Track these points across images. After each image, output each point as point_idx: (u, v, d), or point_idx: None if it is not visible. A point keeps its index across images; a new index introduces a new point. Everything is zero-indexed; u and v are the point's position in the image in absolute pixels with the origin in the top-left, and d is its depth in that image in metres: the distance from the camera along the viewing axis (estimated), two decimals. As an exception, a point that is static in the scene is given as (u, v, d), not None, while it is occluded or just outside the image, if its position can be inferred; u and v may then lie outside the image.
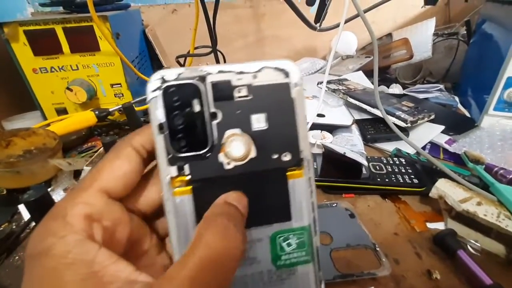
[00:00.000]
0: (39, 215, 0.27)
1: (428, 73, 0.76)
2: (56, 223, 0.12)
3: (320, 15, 0.47)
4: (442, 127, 0.48)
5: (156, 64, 0.74)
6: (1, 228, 0.35)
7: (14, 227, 0.36)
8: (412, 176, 0.38)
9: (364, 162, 0.37)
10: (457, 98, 0.60)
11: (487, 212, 0.29)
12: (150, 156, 0.14)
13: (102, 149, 0.47)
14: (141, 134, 0.14)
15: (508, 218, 0.28)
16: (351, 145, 0.44)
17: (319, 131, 0.48)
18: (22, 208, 0.37)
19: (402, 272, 0.28)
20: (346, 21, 0.56)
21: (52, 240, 0.11)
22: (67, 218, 0.12)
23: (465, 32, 0.68)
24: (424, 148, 0.46)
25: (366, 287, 0.27)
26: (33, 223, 0.35)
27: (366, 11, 0.62)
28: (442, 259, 0.29)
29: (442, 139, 0.47)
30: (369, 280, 0.27)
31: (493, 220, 0.28)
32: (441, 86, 0.63)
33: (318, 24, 0.48)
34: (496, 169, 0.39)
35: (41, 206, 0.26)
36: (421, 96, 0.61)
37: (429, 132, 0.48)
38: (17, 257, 0.32)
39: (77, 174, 0.43)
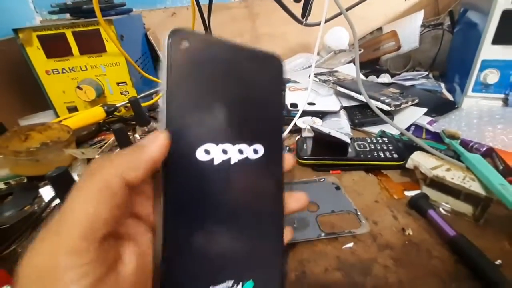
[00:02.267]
0: (60, 188, 0.31)
1: (417, 63, 0.80)
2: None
3: (305, 10, 0.51)
4: (425, 110, 0.52)
5: (157, 64, 0.78)
6: (25, 209, 0.40)
7: (36, 208, 0.40)
8: (393, 152, 0.42)
9: (347, 140, 0.41)
10: (442, 85, 0.64)
11: (454, 176, 0.32)
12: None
13: (111, 140, 0.52)
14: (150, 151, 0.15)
15: (473, 180, 0.32)
16: (338, 128, 0.48)
17: (310, 117, 0.51)
18: (42, 191, 0.41)
19: (380, 231, 0.32)
20: (330, 18, 0.60)
21: None
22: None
23: (450, 22, 0.71)
24: (408, 129, 0.50)
25: (346, 243, 0.31)
26: (53, 204, 0.39)
27: (353, 6, 0.66)
28: (416, 219, 0.33)
29: (424, 121, 0.50)
30: (350, 237, 0.31)
31: (458, 182, 0.32)
32: (427, 73, 0.66)
33: (304, 19, 0.51)
34: (471, 144, 0.42)
35: (62, 181, 0.30)
36: (408, 83, 0.64)
37: (412, 115, 0.51)
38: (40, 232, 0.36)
39: (89, 162, 0.47)
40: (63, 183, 0.31)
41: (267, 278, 0.18)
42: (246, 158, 0.17)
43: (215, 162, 0.16)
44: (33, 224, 0.37)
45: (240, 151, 0.17)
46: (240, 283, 0.17)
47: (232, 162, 0.17)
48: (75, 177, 0.42)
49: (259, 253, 0.18)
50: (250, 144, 0.17)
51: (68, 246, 0.13)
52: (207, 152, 0.16)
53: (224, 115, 0.16)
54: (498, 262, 0.27)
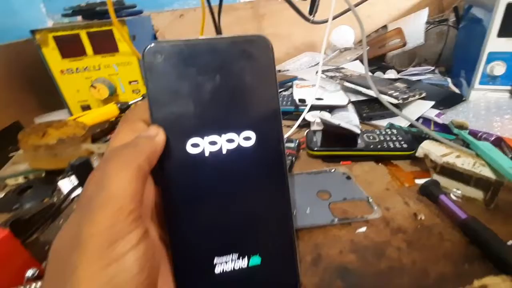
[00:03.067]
0: (81, 176, 0.32)
1: (423, 59, 0.80)
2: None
3: (312, 7, 0.52)
4: (432, 103, 0.52)
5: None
6: (44, 201, 0.41)
7: (55, 200, 0.41)
8: (403, 142, 0.42)
9: (357, 130, 0.42)
10: (449, 79, 0.64)
11: (464, 162, 0.33)
12: None
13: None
14: (134, 114, 0.17)
15: (483, 165, 0.32)
16: (347, 121, 0.48)
17: (318, 111, 0.52)
18: (60, 184, 0.43)
19: (392, 216, 0.33)
20: (337, 16, 0.61)
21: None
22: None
23: (455, 18, 0.72)
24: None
25: (359, 227, 0.31)
26: (72, 195, 0.41)
27: (360, 3, 0.67)
28: (427, 205, 0.34)
29: (432, 114, 0.51)
30: (363, 223, 0.32)
31: (469, 168, 0.32)
32: (433, 68, 0.67)
33: (311, 16, 0.53)
34: (480, 133, 0.43)
35: (84, 169, 0.32)
36: (415, 78, 0.65)
37: (420, 108, 0.52)
38: (61, 221, 0.37)
39: (104, 157, 0.49)
40: (85, 172, 0.32)
41: (276, 254, 0.19)
42: (239, 146, 0.18)
43: (206, 154, 0.17)
44: (53, 214, 0.38)
45: (230, 140, 0.18)
46: (246, 257, 0.18)
47: (224, 151, 0.18)
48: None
49: (265, 230, 0.19)
50: (238, 132, 0.18)
51: (118, 207, 0.13)
52: (195, 145, 0.17)
53: (203, 109, 0.17)
54: (510, 242, 0.28)
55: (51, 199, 0.42)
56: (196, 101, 0.17)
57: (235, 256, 0.18)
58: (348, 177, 0.39)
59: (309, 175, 0.40)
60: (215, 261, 0.18)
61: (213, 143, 0.17)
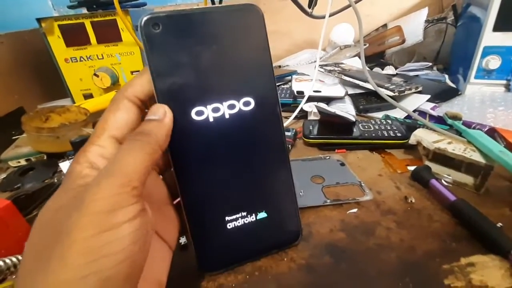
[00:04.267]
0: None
1: (421, 57, 0.81)
2: (79, 155, 0.17)
3: (311, 1, 0.53)
4: (428, 96, 0.53)
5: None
6: (46, 181, 0.42)
7: (56, 181, 0.42)
8: (397, 132, 0.43)
9: (352, 119, 0.43)
10: (446, 76, 0.65)
11: (455, 148, 0.34)
12: (143, 103, 0.18)
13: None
14: (133, 86, 0.18)
15: (473, 151, 0.33)
16: (344, 112, 0.49)
17: (316, 102, 0.53)
18: (62, 166, 0.44)
19: (383, 199, 0.33)
20: (337, 12, 0.62)
21: (74, 164, 0.17)
22: (86, 153, 0.16)
23: (453, 16, 0.73)
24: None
25: (351, 208, 0.32)
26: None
27: (358, 0, 0.68)
28: (418, 190, 0.34)
29: (427, 107, 0.52)
30: (354, 204, 0.33)
31: (460, 153, 0.33)
32: (431, 64, 0.68)
33: (311, 9, 0.54)
34: (473, 125, 0.44)
35: (85, 147, 0.33)
36: (412, 73, 0.66)
37: (415, 101, 0.53)
38: (61, 200, 0.38)
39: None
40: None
41: (280, 209, 0.21)
42: (240, 111, 0.19)
43: (210, 119, 0.19)
44: (52, 193, 0.39)
45: (231, 106, 0.19)
46: (253, 214, 0.20)
47: (227, 116, 0.19)
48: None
49: (269, 189, 0.21)
50: (238, 99, 0.19)
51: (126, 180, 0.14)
52: (199, 113, 0.18)
53: (204, 79, 0.18)
54: (499, 224, 0.28)
55: (52, 180, 0.43)
56: (196, 71, 0.18)
57: (244, 213, 0.20)
58: (342, 164, 0.40)
59: (303, 161, 0.41)
60: (226, 219, 0.20)
61: (216, 109, 0.19)
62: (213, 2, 0.70)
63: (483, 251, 0.27)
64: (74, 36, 0.58)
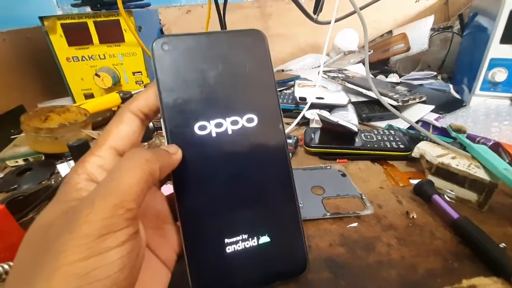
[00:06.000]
0: (79, 158, 0.32)
1: (426, 65, 0.80)
2: (78, 165, 0.17)
3: (317, 7, 0.53)
4: (432, 107, 0.52)
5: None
6: (43, 183, 0.42)
7: (52, 182, 0.42)
8: (400, 143, 0.42)
9: (355, 129, 0.42)
10: (450, 86, 0.64)
11: (459, 163, 0.33)
12: (146, 117, 0.18)
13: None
14: (138, 100, 0.18)
15: (478, 167, 0.32)
16: (346, 120, 0.49)
17: (318, 110, 0.53)
18: (59, 168, 0.43)
19: (384, 213, 0.33)
20: (342, 18, 0.61)
21: (72, 175, 0.16)
22: (85, 163, 0.16)
23: (459, 25, 0.72)
24: (415, 125, 0.50)
25: (351, 222, 0.31)
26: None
27: (365, 6, 0.68)
28: (420, 205, 0.34)
29: (431, 117, 0.51)
30: (354, 218, 0.32)
31: (464, 169, 0.32)
32: (435, 74, 0.67)
33: (316, 15, 0.53)
34: (478, 138, 0.43)
35: (82, 150, 0.32)
36: (416, 83, 0.65)
37: (419, 111, 0.52)
38: (57, 203, 0.38)
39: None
40: (82, 154, 0.32)
41: (284, 235, 0.20)
42: (243, 127, 0.19)
43: (213, 134, 0.19)
44: (49, 196, 0.39)
45: (234, 122, 0.19)
46: (255, 237, 0.19)
47: (230, 132, 0.19)
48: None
49: (272, 211, 0.20)
50: (241, 115, 0.19)
51: (120, 198, 0.14)
52: (202, 128, 0.19)
53: (208, 96, 0.19)
54: (502, 245, 0.28)
55: (49, 181, 0.42)
56: (201, 87, 0.19)
57: (245, 236, 0.19)
58: (343, 174, 0.39)
59: (304, 170, 0.41)
60: (226, 241, 0.19)
61: (218, 125, 0.19)
62: (216, 3, 0.70)
63: (485, 272, 0.26)
64: (77, 36, 0.57)
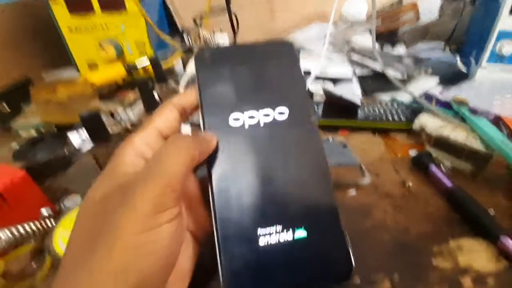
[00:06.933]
0: (90, 128, 0.34)
1: (435, 36, 0.78)
2: (125, 143, 0.18)
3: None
4: (437, 79, 0.52)
5: (173, 29, 0.79)
6: (56, 152, 0.43)
7: (66, 152, 0.44)
8: (401, 116, 0.43)
9: (358, 102, 0.42)
10: (458, 58, 0.63)
11: (458, 135, 0.34)
12: (185, 111, 0.21)
13: (131, 97, 0.55)
14: (179, 96, 0.21)
15: (475, 139, 0.33)
16: (350, 93, 0.49)
17: (322, 82, 0.53)
18: (71, 137, 0.45)
19: (381, 182, 0.34)
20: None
21: (120, 150, 0.18)
22: (133, 140, 0.18)
23: (472, -6, 0.69)
24: (418, 98, 0.50)
25: (349, 191, 0.33)
26: (84, 149, 0.43)
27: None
28: (417, 175, 0.35)
29: (436, 91, 0.51)
30: (353, 186, 0.34)
31: (461, 140, 0.33)
32: (442, 46, 0.66)
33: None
34: (479, 111, 0.43)
35: (93, 122, 0.33)
36: (423, 55, 0.64)
37: (424, 84, 0.52)
38: (71, 171, 0.40)
39: (112, 115, 0.50)
40: (94, 124, 0.34)
41: (322, 230, 0.18)
42: (274, 120, 0.20)
43: (246, 126, 0.20)
44: (64, 164, 0.41)
45: (266, 115, 0.20)
46: (290, 229, 0.18)
47: (262, 124, 0.20)
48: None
49: (308, 204, 0.19)
50: (273, 108, 0.21)
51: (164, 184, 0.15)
52: (236, 119, 0.20)
53: (242, 93, 0.21)
54: (491, 211, 0.29)
55: (62, 151, 0.44)
56: (236, 85, 0.21)
57: (279, 228, 0.18)
58: (344, 146, 0.41)
59: (307, 142, 0.42)
60: (258, 232, 0.18)
61: (251, 117, 0.20)
62: None
63: (473, 235, 0.28)
64: (77, 3, 0.56)
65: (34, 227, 0.28)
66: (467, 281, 0.24)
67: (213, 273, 0.19)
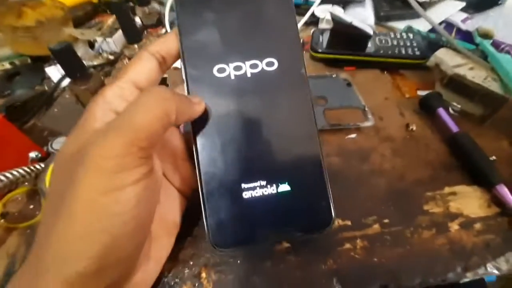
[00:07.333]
0: (64, 62, 0.30)
1: None
2: (98, 95, 0.16)
3: None
4: (462, 4, 0.45)
5: None
6: (36, 88, 0.40)
7: (46, 88, 0.40)
8: (416, 49, 0.39)
9: (370, 31, 0.37)
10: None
11: (476, 75, 0.31)
12: (164, 60, 0.18)
13: (110, 22, 0.48)
14: (155, 43, 0.18)
15: (494, 80, 0.30)
16: (361, 19, 0.43)
17: (330, 5, 0.46)
18: (49, 72, 0.41)
19: (384, 125, 0.33)
20: None
21: (92, 104, 0.16)
22: (105, 93, 0.16)
23: None
24: (437, 27, 0.44)
25: (350, 134, 0.32)
26: (63, 84, 0.40)
27: None
28: (422, 118, 0.33)
29: (458, 18, 0.45)
30: (354, 129, 0.32)
31: (479, 81, 0.30)
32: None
33: None
34: (502, 45, 0.39)
35: (67, 56, 0.29)
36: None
37: (446, 10, 0.45)
38: (55, 110, 0.38)
39: (91, 45, 0.45)
40: (67, 58, 0.30)
41: (305, 184, 0.19)
42: (262, 70, 0.19)
43: (232, 77, 0.19)
44: (46, 101, 0.38)
45: (254, 66, 0.19)
46: (274, 185, 0.18)
47: (249, 75, 0.19)
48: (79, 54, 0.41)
49: (292, 158, 0.19)
50: (261, 59, 0.19)
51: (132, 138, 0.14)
52: (221, 70, 0.19)
53: (228, 40, 0.19)
54: (493, 158, 0.29)
55: (42, 87, 0.41)
56: (221, 32, 0.19)
57: (263, 183, 0.18)
58: (349, 84, 0.37)
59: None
60: (242, 186, 0.18)
61: (237, 68, 0.19)
62: None
63: (469, 182, 0.28)
64: None
65: (23, 172, 0.28)
66: (454, 226, 0.25)
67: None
